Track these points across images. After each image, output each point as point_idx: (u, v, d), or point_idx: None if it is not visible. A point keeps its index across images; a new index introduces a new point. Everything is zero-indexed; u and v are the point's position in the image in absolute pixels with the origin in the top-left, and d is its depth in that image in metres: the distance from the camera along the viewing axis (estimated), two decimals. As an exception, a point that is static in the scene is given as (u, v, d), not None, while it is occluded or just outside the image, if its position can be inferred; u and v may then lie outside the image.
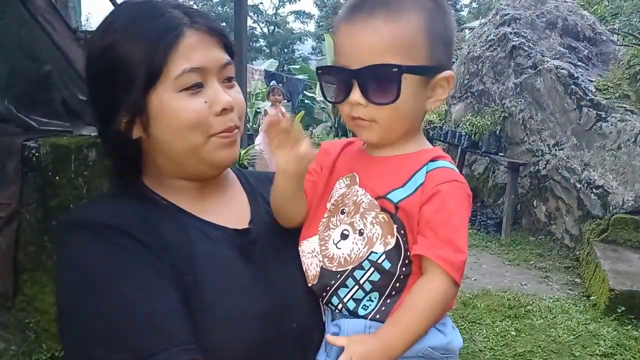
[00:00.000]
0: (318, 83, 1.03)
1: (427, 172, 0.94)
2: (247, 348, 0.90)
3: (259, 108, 18.14)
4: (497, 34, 8.35)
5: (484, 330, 4.38)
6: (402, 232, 0.91)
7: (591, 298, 5.07)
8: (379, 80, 0.91)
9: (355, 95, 0.92)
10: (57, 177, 3.34)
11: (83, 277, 0.88)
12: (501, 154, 7.77)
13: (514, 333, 4.36)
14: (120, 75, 0.93)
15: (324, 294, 0.97)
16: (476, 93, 8.73)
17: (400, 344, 0.87)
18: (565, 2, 8.73)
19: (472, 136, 8.06)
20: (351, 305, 0.93)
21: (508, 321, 4.58)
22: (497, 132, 7.80)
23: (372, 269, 0.91)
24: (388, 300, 0.92)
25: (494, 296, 5.12)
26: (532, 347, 4.12)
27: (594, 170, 6.40)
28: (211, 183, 1.05)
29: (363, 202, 0.95)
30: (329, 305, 0.97)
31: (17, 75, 3.61)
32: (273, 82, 14.53)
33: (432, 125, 10.13)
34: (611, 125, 6.37)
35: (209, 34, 0.97)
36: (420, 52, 0.93)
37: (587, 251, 5.92)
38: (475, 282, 5.58)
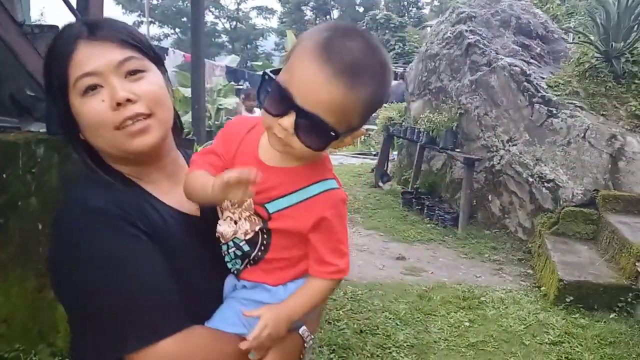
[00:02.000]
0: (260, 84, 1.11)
1: (314, 194, 1.10)
2: (202, 318, 1.14)
3: (220, 104, 17.99)
4: (454, 32, 8.49)
5: (439, 322, 4.47)
6: (265, 231, 1.13)
7: (542, 289, 5.24)
8: (316, 131, 1.02)
9: (288, 122, 1.02)
10: (5, 175, 3.26)
11: (98, 259, 1.03)
12: (458, 150, 7.92)
13: (467, 324, 4.47)
14: (51, 91, 1.13)
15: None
16: (434, 90, 8.87)
17: (299, 313, 1.13)
18: (519, 0, 8.95)
19: (430, 132, 8.18)
20: (229, 265, 1.20)
21: (462, 312, 4.69)
22: (454, 128, 7.95)
23: (235, 247, 1.16)
24: (248, 267, 1.17)
25: (449, 288, 5.23)
26: (485, 337, 4.24)
27: (545, 165, 6.60)
28: (158, 165, 1.20)
29: (246, 201, 1.12)
30: None
31: (-38, 70, 3.50)
32: (247, 85, 14.35)
33: (392, 122, 10.26)
34: (561, 121, 6.58)
35: (103, 40, 1.10)
36: (355, 119, 1.05)
37: (538, 243, 6.11)
38: (432, 275, 5.68)
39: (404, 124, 9.83)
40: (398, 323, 4.40)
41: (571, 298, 4.77)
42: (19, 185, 3.29)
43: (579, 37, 7.98)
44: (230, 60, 22.08)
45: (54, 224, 1.11)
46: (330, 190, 1.12)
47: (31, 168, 3.31)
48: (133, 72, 1.11)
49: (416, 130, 8.71)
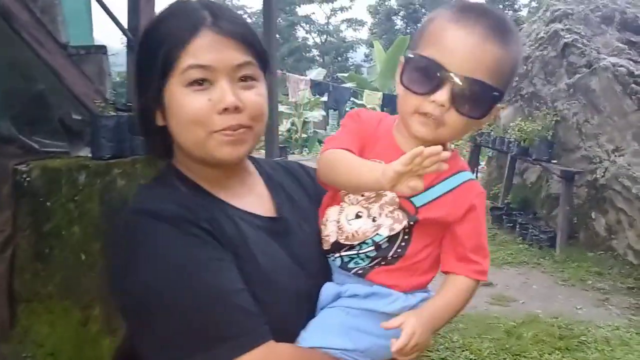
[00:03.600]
0: (399, 71, 1.08)
1: (457, 185, 1.08)
2: (290, 322, 1.07)
3: (306, 118, 17.99)
4: (548, 32, 7.77)
5: (529, 365, 3.89)
6: (409, 225, 1.07)
7: (657, 326, 4.48)
8: (476, 96, 1.00)
9: (444, 95, 0.99)
10: (49, 202, 3.16)
11: (166, 265, 0.97)
12: (554, 162, 7.15)
13: (563, 369, 3.85)
14: (147, 65, 1.05)
15: (331, 254, 1.16)
16: (526, 96, 8.16)
17: (443, 318, 1.08)
18: (623, -7, 8.03)
19: (522, 142, 7.48)
20: (346, 259, 1.13)
21: (558, 354, 4.09)
22: (549, 137, 7.19)
23: (372, 246, 1.10)
24: (376, 268, 1.11)
25: (542, 323, 4.60)
26: (585, 387, 3.60)
27: (659, 179, 5.74)
28: (233, 172, 1.14)
29: (386, 195, 1.08)
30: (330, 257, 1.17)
31: (14, 95, 3.46)
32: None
33: (479, 131, 9.58)
34: (678, 127, 5.70)
35: (227, 35, 1.03)
36: (507, 80, 1.06)
37: (652, 270, 5.29)
38: (523, 305, 5.06)
39: (492, 133, 9.13)
40: (480, 366, 3.86)
41: (695, 340, 4.00)
42: (63, 213, 3.18)
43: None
44: (317, 73, 22.11)
45: (114, 227, 1.07)
46: (471, 180, 1.12)
47: (74, 196, 3.19)
48: (245, 79, 1.06)
49: (506, 140, 8.03)
